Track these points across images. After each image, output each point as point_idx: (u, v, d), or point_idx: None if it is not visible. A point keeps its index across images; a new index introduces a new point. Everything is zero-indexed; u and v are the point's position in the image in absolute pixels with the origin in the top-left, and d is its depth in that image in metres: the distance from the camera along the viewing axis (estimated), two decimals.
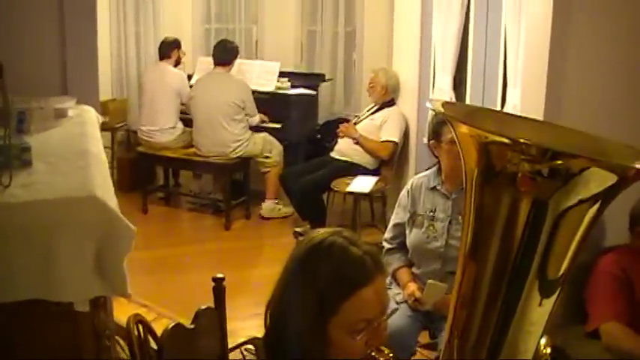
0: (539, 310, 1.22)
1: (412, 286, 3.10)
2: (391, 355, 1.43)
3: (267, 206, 6.23)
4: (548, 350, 1.36)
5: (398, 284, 3.19)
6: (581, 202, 1.09)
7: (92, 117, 2.52)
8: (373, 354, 1.42)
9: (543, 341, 1.34)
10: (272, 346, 1.52)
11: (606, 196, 1.10)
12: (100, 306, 1.77)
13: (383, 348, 1.44)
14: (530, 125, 1.41)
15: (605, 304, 2.86)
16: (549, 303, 1.22)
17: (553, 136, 1.33)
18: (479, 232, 1.23)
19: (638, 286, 2.85)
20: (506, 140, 1.11)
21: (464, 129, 1.21)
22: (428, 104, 1.33)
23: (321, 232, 1.51)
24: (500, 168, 1.13)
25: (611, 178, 1.07)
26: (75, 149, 2.11)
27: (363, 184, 5.18)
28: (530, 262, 1.16)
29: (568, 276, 1.22)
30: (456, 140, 1.26)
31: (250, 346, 2.78)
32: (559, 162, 1.06)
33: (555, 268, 1.18)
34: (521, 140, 1.09)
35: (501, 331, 1.22)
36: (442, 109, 1.33)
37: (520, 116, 1.62)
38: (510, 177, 1.11)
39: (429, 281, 3.02)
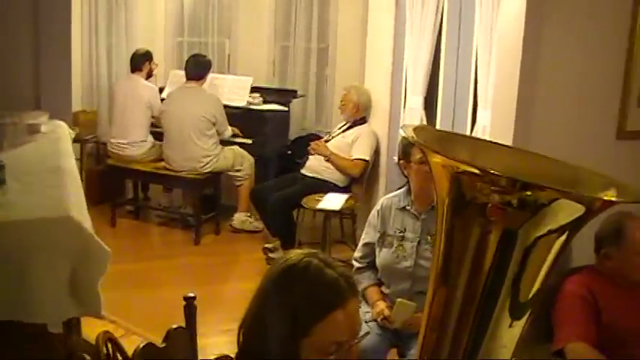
0: (509, 332, 1.24)
1: (381, 305, 3.12)
2: None
3: (239, 217, 6.21)
4: None
5: (367, 303, 3.21)
6: (550, 232, 1.11)
7: (65, 132, 2.51)
8: None
9: None
10: None
11: (574, 226, 1.12)
12: (73, 327, 1.75)
13: None
14: (501, 152, 1.43)
15: (571, 325, 2.89)
16: (519, 325, 1.24)
17: (524, 163, 1.35)
18: (449, 258, 1.24)
19: (603, 307, 2.88)
20: (476, 171, 1.13)
21: (436, 158, 1.22)
22: (401, 131, 1.35)
23: (296, 253, 1.51)
24: (471, 198, 1.14)
25: (579, 210, 1.09)
26: (49, 167, 2.09)
27: (333, 201, 5.20)
28: (500, 288, 1.18)
29: (538, 299, 1.24)
30: (428, 166, 1.27)
31: None
32: (528, 193, 1.08)
33: (525, 292, 1.20)
34: (492, 171, 1.11)
35: (471, 353, 1.23)
36: (414, 135, 1.33)
37: (491, 142, 1.64)
38: (480, 207, 1.13)
39: (398, 300, 3.04)
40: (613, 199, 1.12)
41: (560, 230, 1.12)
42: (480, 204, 1.12)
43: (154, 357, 1.88)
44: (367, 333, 3.07)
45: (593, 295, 2.91)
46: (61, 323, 1.74)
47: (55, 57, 2.95)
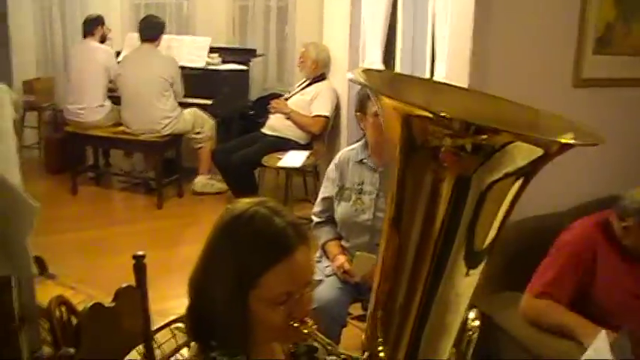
0: (465, 281, 1.20)
1: (341, 259, 3.12)
2: (315, 326, 1.41)
3: (200, 181, 6.17)
4: (477, 323, 1.34)
5: (327, 257, 3.21)
6: (505, 176, 1.07)
7: (2, 95, 2.43)
8: (296, 325, 1.39)
9: (472, 315, 1.32)
10: (195, 319, 1.49)
11: (531, 170, 1.08)
12: (5, 286, 1.71)
13: (307, 320, 1.41)
14: (458, 95, 1.37)
15: (544, 278, 2.78)
16: (476, 273, 1.20)
17: (481, 106, 1.30)
18: (402, 205, 1.20)
19: (600, 270, 2.73)
20: (429, 114, 1.08)
21: (386, 101, 1.16)
22: (349, 74, 1.29)
23: (244, 202, 1.46)
24: (423, 142, 1.09)
25: (535, 153, 1.05)
26: None
27: (294, 158, 5.17)
28: (454, 235, 1.14)
29: (494, 247, 1.19)
30: (379, 111, 1.22)
31: (180, 325, 2.76)
32: (483, 137, 1.03)
33: (481, 240, 1.16)
34: (444, 114, 1.05)
35: (427, 302, 1.20)
36: (361, 79, 1.24)
37: (446, 84, 1.57)
38: (433, 151, 1.08)
39: (358, 253, 3.04)
40: (571, 141, 1.08)
41: (515, 174, 1.08)
42: (433, 148, 1.08)
43: (102, 316, 1.86)
44: (320, 281, 3.09)
45: (593, 253, 2.76)
46: None
47: None
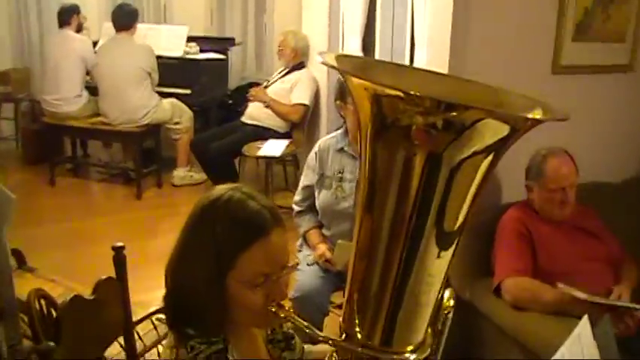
0: (437, 263, 1.22)
1: (322, 247, 3.12)
2: (292, 310, 1.43)
3: (179, 174, 6.15)
4: (452, 302, 1.37)
5: (308, 246, 3.20)
6: (475, 153, 1.09)
7: None
8: (274, 309, 1.40)
9: (447, 294, 1.35)
10: (172, 307, 1.49)
11: (500, 147, 1.09)
12: None
13: (284, 304, 1.43)
14: (426, 77, 1.39)
15: (508, 260, 2.89)
16: (447, 255, 1.22)
17: (449, 87, 1.32)
18: (374, 186, 1.21)
19: (537, 243, 2.90)
20: (399, 93, 1.08)
21: (356, 81, 1.17)
22: (317, 57, 1.29)
23: (220, 188, 1.49)
24: (394, 121, 1.10)
25: (504, 129, 1.06)
26: None
27: (273, 147, 5.16)
28: (426, 215, 1.15)
29: (464, 228, 1.22)
30: (350, 94, 1.24)
31: (162, 316, 2.74)
32: (453, 114, 1.04)
33: (452, 220, 1.18)
34: (413, 92, 1.06)
35: (401, 283, 1.21)
36: (331, 62, 1.26)
37: (416, 68, 1.60)
38: (404, 130, 1.09)
39: (339, 241, 3.03)
40: (538, 117, 1.09)
41: (485, 151, 1.09)
42: (404, 127, 1.09)
43: (82, 309, 1.84)
44: (296, 264, 3.09)
45: (528, 229, 2.92)
46: None
47: None
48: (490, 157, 1.11)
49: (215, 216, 1.43)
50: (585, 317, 1.70)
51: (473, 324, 3.00)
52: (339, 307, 3.30)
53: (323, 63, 1.22)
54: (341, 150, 3.13)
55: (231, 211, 1.43)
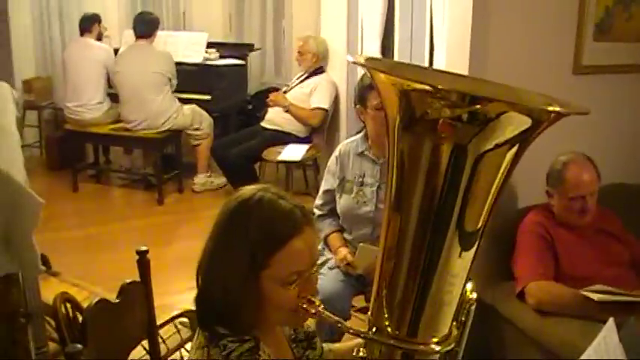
0: (459, 263, 1.25)
1: (344, 251, 3.11)
2: (321, 306, 1.44)
3: (199, 180, 6.18)
4: (474, 295, 1.40)
5: (330, 250, 3.20)
6: (498, 145, 1.12)
7: (5, 92, 2.44)
8: (305, 306, 1.43)
9: (469, 286, 1.38)
10: (203, 306, 1.51)
11: (522, 141, 1.13)
12: (12, 283, 1.71)
13: (314, 299, 1.45)
14: (451, 76, 1.44)
15: (529, 265, 2.86)
16: (469, 256, 1.25)
17: (472, 85, 1.38)
18: (401, 181, 1.24)
19: (558, 247, 2.87)
20: (426, 87, 1.13)
21: (384, 78, 1.21)
22: (349, 57, 1.34)
23: (249, 189, 1.51)
24: (421, 114, 1.15)
25: (525, 122, 1.10)
26: None
27: (293, 152, 5.17)
28: (451, 210, 1.19)
29: (485, 230, 1.24)
30: (377, 91, 1.27)
31: (184, 319, 2.76)
32: (477, 107, 1.09)
33: (474, 218, 1.21)
34: (441, 86, 1.12)
35: (426, 281, 1.25)
36: (361, 60, 1.33)
37: (442, 70, 1.64)
38: (431, 123, 1.13)
39: (360, 245, 3.03)
40: (558, 109, 1.12)
41: (508, 144, 1.13)
42: (430, 120, 1.13)
43: (107, 313, 1.85)
44: (326, 260, 3.10)
45: (549, 233, 2.90)
46: None
47: None
48: (513, 151, 1.15)
49: (248, 216, 1.45)
50: (611, 320, 1.69)
51: (495, 328, 2.98)
52: (360, 310, 3.30)
53: (354, 62, 1.27)
54: (361, 154, 3.13)
55: (264, 210, 1.45)
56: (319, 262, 1.52)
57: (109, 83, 6.25)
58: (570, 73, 3.40)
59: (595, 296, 2.60)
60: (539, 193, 3.03)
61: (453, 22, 3.52)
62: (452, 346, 1.33)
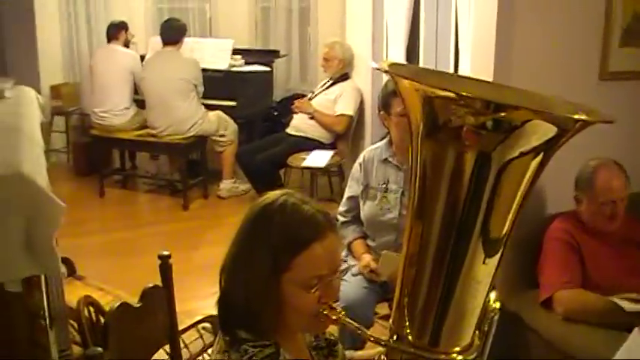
0: (483, 269, 1.24)
1: (367, 258, 3.10)
2: (342, 313, 1.44)
3: (225, 186, 6.20)
4: (498, 305, 1.38)
5: (353, 256, 3.19)
6: (523, 154, 1.12)
7: (30, 97, 2.47)
8: (325, 312, 1.43)
9: (493, 296, 1.36)
10: (225, 309, 1.51)
11: (547, 149, 1.12)
12: (34, 286, 1.72)
13: (335, 306, 1.45)
14: (476, 83, 1.44)
15: (556, 273, 2.84)
16: (493, 262, 1.25)
17: (497, 92, 1.36)
18: (424, 189, 1.24)
19: (585, 255, 2.85)
20: (450, 94, 1.12)
21: (408, 84, 1.21)
22: (372, 63, 1.34)
23: (273, 193, 1.52)
24: (445, 121, 1.14)
25: (551, 130, 1.09)
26: (6, 128, 2.06)
27: (318, 158, 5.17)
28: (475, 218, 1.18)
29: (509, 237, 1.23)
30: (401, 97, 1.26)
31: (207, 324, 2.77)
32: (502, 114, 1.08)
33: (499, 225, 1.20)
34: (465, 94, 1.11)
35: (449, 288, 1.25)
36: (385, 67, 1.34)
37: (467, 77, 1.63)
38: (455, 130, 1.12)
39: (384, 252, 3.01)
40: (584, 117, 1.11)
41: (533, 152, 1.12)
42: (454, 127, 1.13)
43: (129, 316, 1.86)
44: (348, 267, 3.08)
45: (576, 240, 2.88)
46: (20, 282, 1.71)
47: (19, 25, 2.88)
48: (538, 159, 1.14)
49: (271, 220, 1.46)
50: (636, 330, 1.68)
51: (519, 336, 2.95)
52: (384, 317, 3.28)
53: (377, 68, 1.26)
54: (385, 161, 3.12)
55: (287, 214, 1.46)
56: (342, 268, 1.50)
57: (136, 89, 6.30)
58: (596, 79, 3.36)
59: (625, 305, 2.57)
60: (563, 200, 3.00)
61: (477, 28, 3.51)
62: (474, 355, 1.32)
